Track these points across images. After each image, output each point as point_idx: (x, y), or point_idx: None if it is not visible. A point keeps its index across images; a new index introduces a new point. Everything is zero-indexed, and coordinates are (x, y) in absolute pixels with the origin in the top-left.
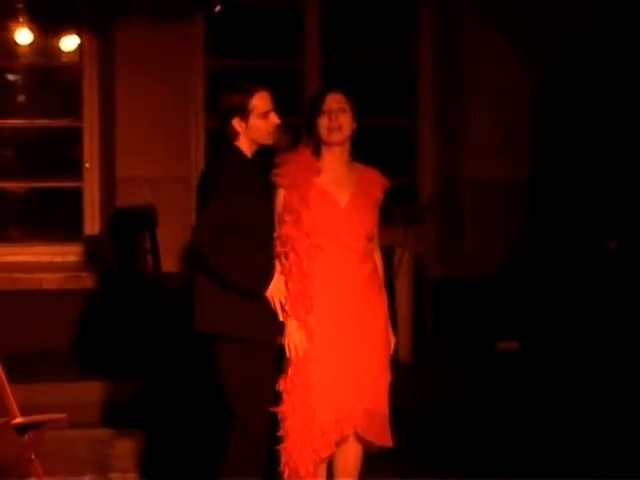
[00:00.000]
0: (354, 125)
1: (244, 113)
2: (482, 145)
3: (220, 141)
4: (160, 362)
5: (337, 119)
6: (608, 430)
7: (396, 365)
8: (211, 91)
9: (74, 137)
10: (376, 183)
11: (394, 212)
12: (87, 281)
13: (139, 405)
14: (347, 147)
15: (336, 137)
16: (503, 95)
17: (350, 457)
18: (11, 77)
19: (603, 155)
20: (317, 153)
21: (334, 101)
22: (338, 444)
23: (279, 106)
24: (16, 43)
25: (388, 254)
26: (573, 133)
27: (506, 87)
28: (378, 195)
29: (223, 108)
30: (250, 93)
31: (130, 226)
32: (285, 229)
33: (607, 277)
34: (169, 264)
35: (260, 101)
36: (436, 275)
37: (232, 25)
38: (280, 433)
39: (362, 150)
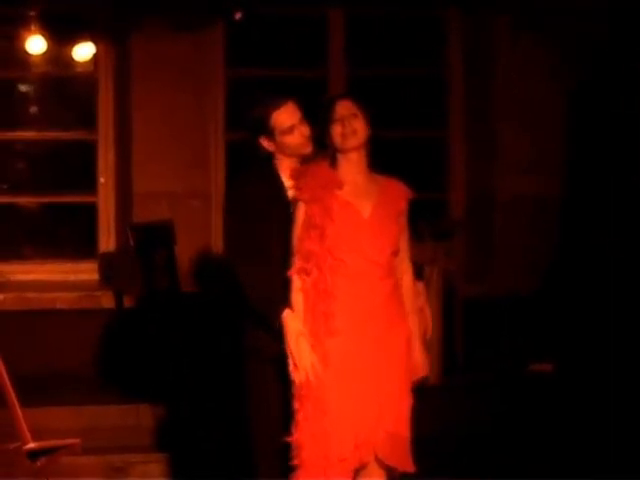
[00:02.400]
0: (368, 131)
1: (268, 132)
2: (514, 160)
3: (254, 157)
4: (179, 384)
5: (350, 124)
6: None
7: (425, 387)
8: (232, 102)
9: (88, 150)
10: (399, 193)
11: (423, 228)
12: (102, 300)
13: (158, 429)
14: (364, 155)
15: (351, 142)
16: (536, 109)
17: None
18: (23, 88)
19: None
20: (333, 164)
21: (344, 108)
22: (357, 470)
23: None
24: (28, 52)
25: (416, 271)
26: (607, 147)
27: (539, 100)
28: (402, 206)
29: (246, 127)
30: (269, 110)
31: (147, 243)
32: (308, 245)
33: None
34: (187, 282)
35: (282, 116)
36: (467, 293)
37: (253, 33)
38: (294, 462)
39: (391, 163)
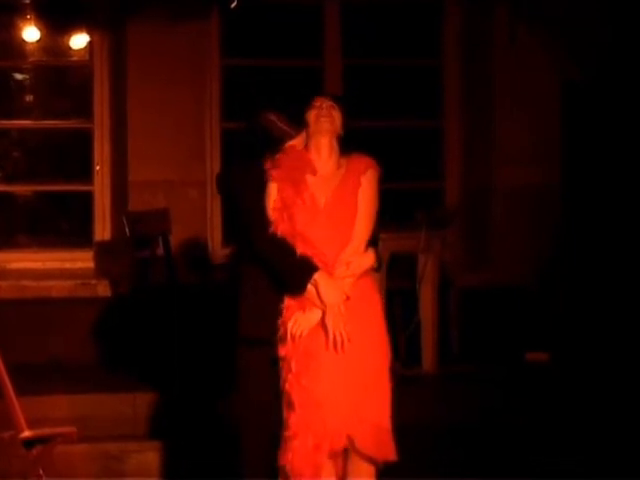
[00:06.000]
0: (343, 128)
1: (276, 150)
2: (511, 150)
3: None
4: (175, 373)
5: (328, 110)
6: None
7: (420, 377)
8: (227, 91)
9: (84, 139)
10: (359, 167)
11: (419, 217)
12: (98, 289)
13: (154, 418)
14: (335, 148)
15: (325, 124)
16: (533, 98)
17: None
18: (18, 76)
19: (637, 159)
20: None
21: (324, 100)
22: (345, 461)
23: (298, 104)
24: (24, 41)
25: (411, 260)
26: (607, 136)
27: (537, 89)
28: (361, 180)
29: (260, 144)
30: (289, 139)
31: (143, 232)
32: (282, 227)
33: None
34: (182, 270)
35: (294, 143)
36: (462, 283)
37: (249, 23)
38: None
39: (387, 152)
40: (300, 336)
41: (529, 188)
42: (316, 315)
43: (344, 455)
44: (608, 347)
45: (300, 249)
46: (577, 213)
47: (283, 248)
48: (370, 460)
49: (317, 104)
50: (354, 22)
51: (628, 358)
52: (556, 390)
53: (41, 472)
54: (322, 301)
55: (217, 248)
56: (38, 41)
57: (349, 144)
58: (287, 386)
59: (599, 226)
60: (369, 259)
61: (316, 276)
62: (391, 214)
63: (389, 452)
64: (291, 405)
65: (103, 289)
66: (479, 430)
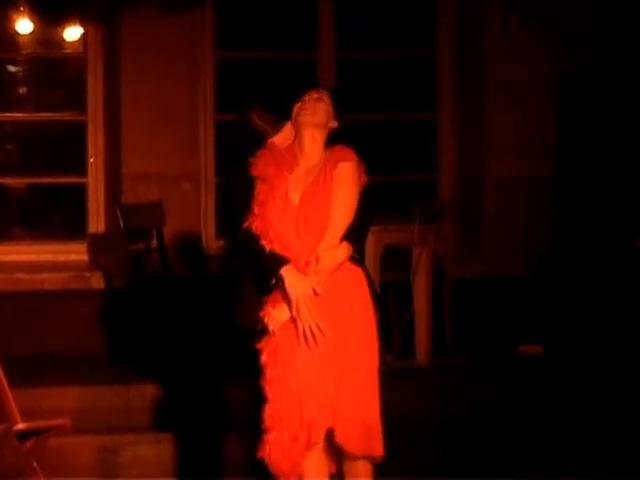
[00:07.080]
0: (332, 122)
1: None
2: (504, 142)
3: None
4: (168, 365)
5: (312, 103)
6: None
7: (414, 369)
8: (221, 83)
9: (78, 131)
10: (337, 158)
11: (413, 210)
12: (92, 281)
13: (148, 410)
14: (319, 141)
15: (305, 116)
16: (528, 89)
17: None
18: (12, 68)
19: (632, 151)
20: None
21: (314, 93)
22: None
23: (290, 98)
24: (17, 33)
25: (406, 253)
26: (601, 128)
27: (531, 80)
28: (335, 171)
29: (248, 139)
30: (272, 134)
31: (136, 224)
32: (256, 223)
33: (636, 277)
34: (177, 264)
35: (278, 140)
36: (456, 275)
37: (243, 15)
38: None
39: (381, 145)
40: (274, 330)
41: (523, 180)
42: (287, 310)
43: (340, 455)
44: (603, 340)
45: (269, 245)
46: (572, 205)
47: (254, 244)
48: (355, 457)
49: (305, 97)
50: (347, 14)
51: (623, 351)
52: (550, 383)
53: (35, 464)
54: (288, 296)
55: (211, 240)
56: (32, 33)
57: (343, 137)
58: (261, 379)
59: (594, 218)
60: (342, 254)
61: (282, 271)
62: (385, 207)
63: (375, 447)
64: (266, 398)
65: (97, 282)
66: (473, 422)
